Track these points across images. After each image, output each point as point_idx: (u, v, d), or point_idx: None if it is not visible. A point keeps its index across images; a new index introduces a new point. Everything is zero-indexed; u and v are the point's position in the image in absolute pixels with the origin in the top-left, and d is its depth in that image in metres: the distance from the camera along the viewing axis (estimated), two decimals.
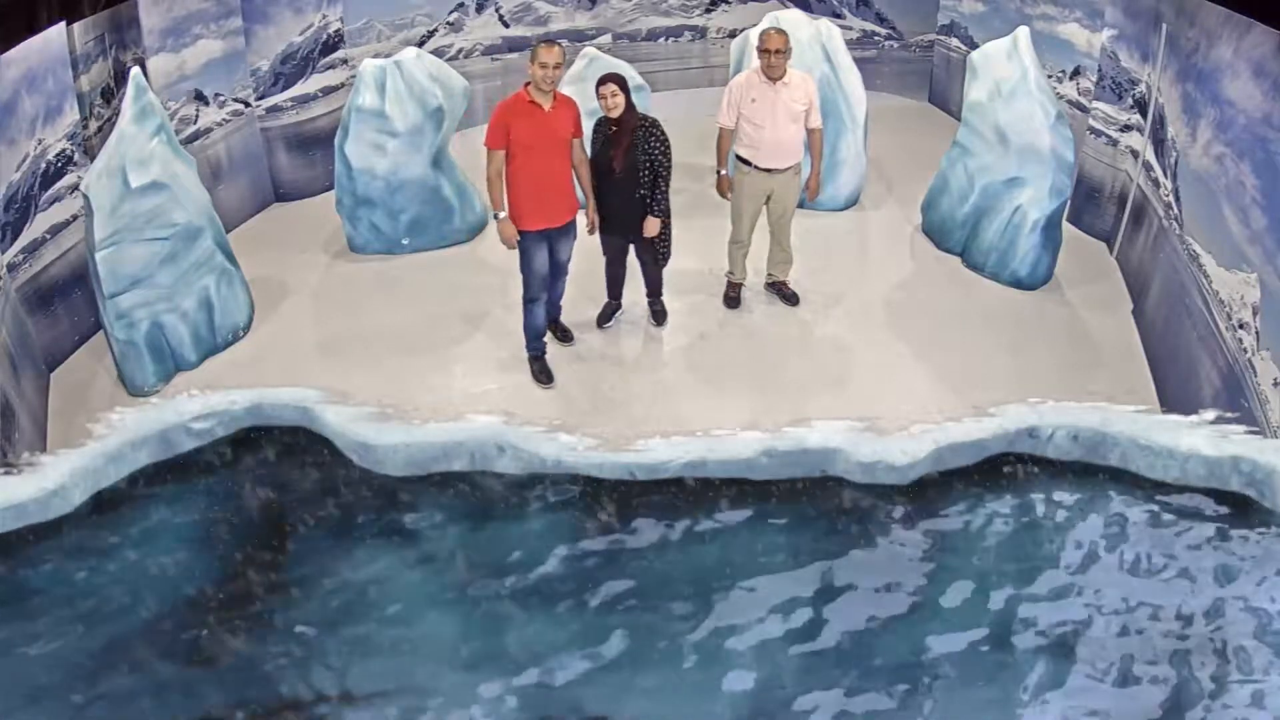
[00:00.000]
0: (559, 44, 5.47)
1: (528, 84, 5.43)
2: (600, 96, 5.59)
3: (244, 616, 2.63)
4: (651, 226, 5.83)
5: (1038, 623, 2.52)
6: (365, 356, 6.11)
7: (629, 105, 5.61)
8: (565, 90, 7.60)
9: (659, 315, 6.36)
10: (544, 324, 5.87)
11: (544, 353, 5.93)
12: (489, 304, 6.17)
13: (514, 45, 9.71)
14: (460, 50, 9.48)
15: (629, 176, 5.68)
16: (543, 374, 5.87)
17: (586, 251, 6.17)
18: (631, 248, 6.08)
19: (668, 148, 5.72)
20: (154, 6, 6.85)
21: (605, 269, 6.23)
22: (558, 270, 5.90)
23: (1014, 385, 5.56)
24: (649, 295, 6.35)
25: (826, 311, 6.56)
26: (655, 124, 5.73)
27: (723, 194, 6.34)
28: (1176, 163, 6.09)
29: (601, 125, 5.73)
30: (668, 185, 5.80)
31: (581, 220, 5.81)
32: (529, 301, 5.74)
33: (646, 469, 2.84)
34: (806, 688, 2.44)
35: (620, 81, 5.59)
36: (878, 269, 7.15)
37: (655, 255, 6.06)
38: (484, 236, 5.87)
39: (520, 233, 5.56)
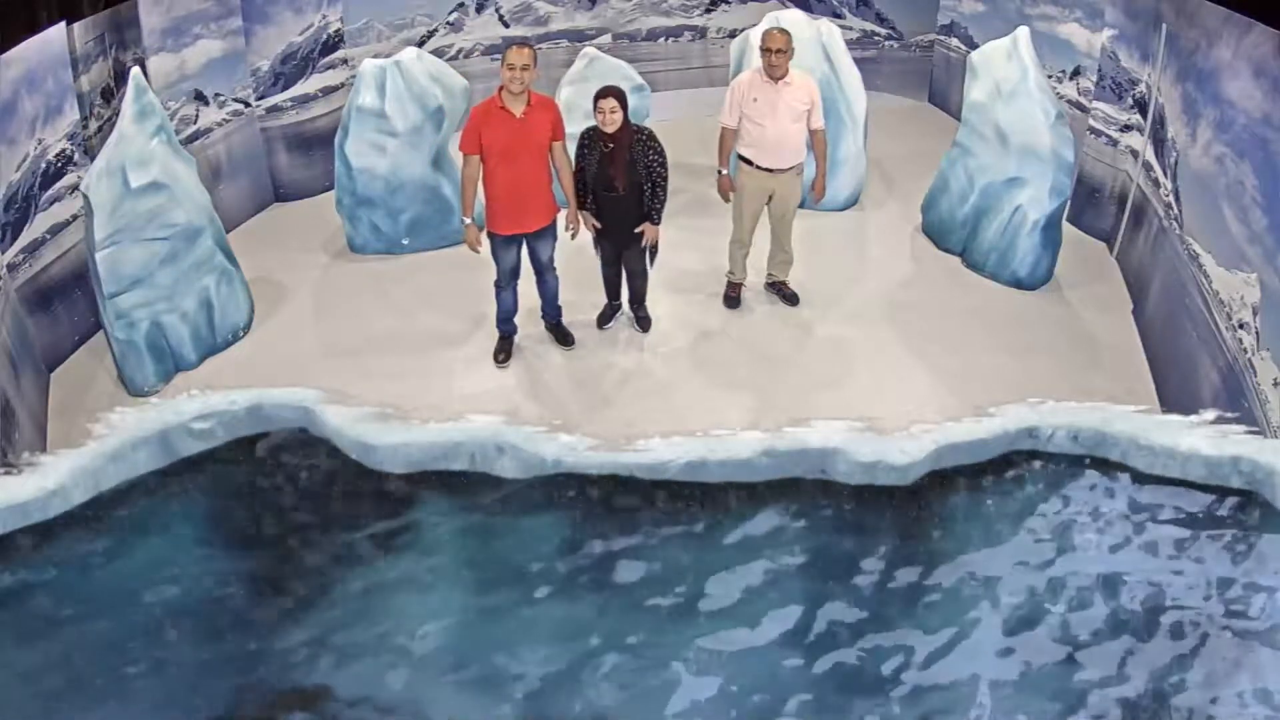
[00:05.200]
0: (530, 45, 5.48)
1: (502, 88, 5.39)
2: (599, 111, 5.53)
3: (244, 617, 2.63)
4: (653, 233, 5.86)
5: (1039, 622, 2.52)
6: (365, 356, 6.11)
7: (624, 119, 5.59)
8: (565, 90, 7.61)
9: (644, 322, 6.36)
10: (510, 308, 6.01)
11: (510, 334, 6.10)
12: (488, 304, 6.17)
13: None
14: (460, 50, 9.48)
15: (631, 192, 5.68)
16: (500, 352, 6.07)
17: (586, 254, 6.17)
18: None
19: (665, 158, 5.73)
20: (154, 6, 6.85)
21: (601, 271, 6.23)
22: (541, 269, 5.93)
23: (1014, 385, 5.56)
24: (632, 303, 6.35)
25: (826, 311, 6.56)
26: (651, 135, 5.72)
27: (724, 195, 6.33)
28: (1176, 163, 6.09)
29: (593, 138, 5.67)
30: (665, 194, 5.81)
31: (563, 222, 5.82)
32: (497, 287, 5.94)
33: (646, 469, 2.84)
34: (807, 687, 2.44)
35: (620, 97, 5.56)
36: (878, 269, 7.15)
37: (645, 262, 6.06)
38: (483, 237, 5.89)
39: (491, 233, 5.71)
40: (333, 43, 8.34)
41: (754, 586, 2.66)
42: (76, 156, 6.14)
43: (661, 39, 10.39)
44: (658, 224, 5.85)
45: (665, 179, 5.75)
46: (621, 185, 5.65)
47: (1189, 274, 5.58)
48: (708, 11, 10.43)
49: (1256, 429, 3.06)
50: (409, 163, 7.06)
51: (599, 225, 5.84)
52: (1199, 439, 2.69)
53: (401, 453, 2.99)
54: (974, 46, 8.00)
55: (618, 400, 5.73)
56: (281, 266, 7.13)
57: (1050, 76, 7.25)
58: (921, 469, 2.79)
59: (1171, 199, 6.11)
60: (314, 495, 2.93)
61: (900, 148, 8.84)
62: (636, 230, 5.84)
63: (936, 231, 7.39)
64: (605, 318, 6.39)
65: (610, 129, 5.55)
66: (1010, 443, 2.81)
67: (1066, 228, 7.11)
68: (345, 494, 2.95)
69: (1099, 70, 7.42)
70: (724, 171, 6.27)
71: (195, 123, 7.36)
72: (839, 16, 9.99)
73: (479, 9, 9.55)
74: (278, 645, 2.57)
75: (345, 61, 8.43)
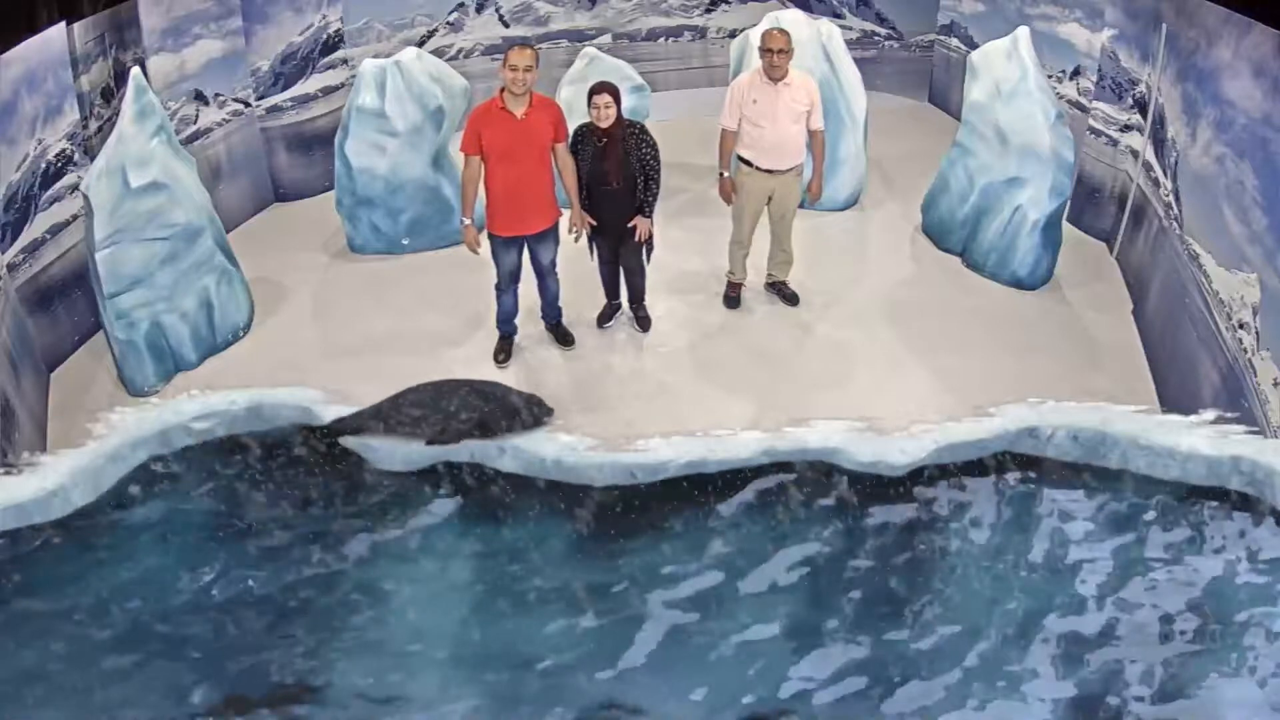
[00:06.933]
0: (532, 46, 5.48)
1: (503, 89, 5.39)
2: (593, 106, 5.56)
3: (243, 616, 2.63)
4: (645, 226, 5.84)
5: (1037, 619, 2.52)
6: (365, 356, 6.11)
7: (618, 114, 5.61)
8: (564, 90, 7.61)
9: (644, 322, 6.36)
10: (511, 310, 6.02)
11: (510, 334, 6.11)
12: (488, 304, 6.18)
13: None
14: (460, 50, 9.48)
15: (625, 187, 5.69)
16: (501, 353, 6.08)
17: (585, 254, 6.17)
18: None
19: (658, 152, 5.75)
20: (154, 6, 6.85)
21: (599, 270, 6.23)
22: (542, 272, 5.92)
23: (1014, 385, 5.56)
24: (632, 302, 6.35)
25: (826, 311, 6.56)
26: (644, 130, 5.74)
27: (726, 198, 6.31)
28: (1176, 163, 6.09)
29: (587, 134, 5.68)
30: (658, 188, 5.81)
31: (565, 224, 5.81)
32: (498, 290, 5.95)
33: (647, 469, 2.84)
34: (805, 681, 2.44)
35: (615, 92, 5.59)
36: (878, 269, 7.15)
37: (642, 260, 6.06)
38: (483, 237, 5.89)
39: (491, 234, 5.71)
40: (333, 43, 8.34)
41: (755, 581, 2.66)
42: (76, 156, 6.14)
43: (661, 39, 10.39)
44: (650, 217, 5.85)
45: (658, 172, 5.76)
46: (616, 180, 5.66)
47: (1189, 274, 5.58)
48: (708, 11, 10.43)
49: (1256, 429, 3.06)
50: (409, 163, 7.06)
51: (593, 222, 5.84)
52: (1199, 439, 2.69)
53: (401, 452, 3.00)
54: (974, 46, 8.00)
55: (618, 400, 5.73)
56: (281, 266, 7.13)
57: (1050, 76, 7.25)
58: (921, 469, 2.79)
59: (1171, 199, 6.11)
60: (314, 495, 2.93)
61: (900, 148, 8.84)
62: (630, 225, 5.85)
63: (936, 231, 7.39)
64: (605, 317, 6.39)
65: (605, 124, 5.57)
66: (1010, 443, 2.81)
67: (1066, 228, 7.11)
68: (346, 493, 2.94)
69: (1099, 70, 7.42)
70: (725, 174, 6.27)
71: (195, 123, 7.36)
72: (839, 16, 9.99)
73: (479, 9, 9.55)
74: (276, 644, 2.57)
75: (345, 61, 8.43)
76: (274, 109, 8.03)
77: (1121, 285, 6.88)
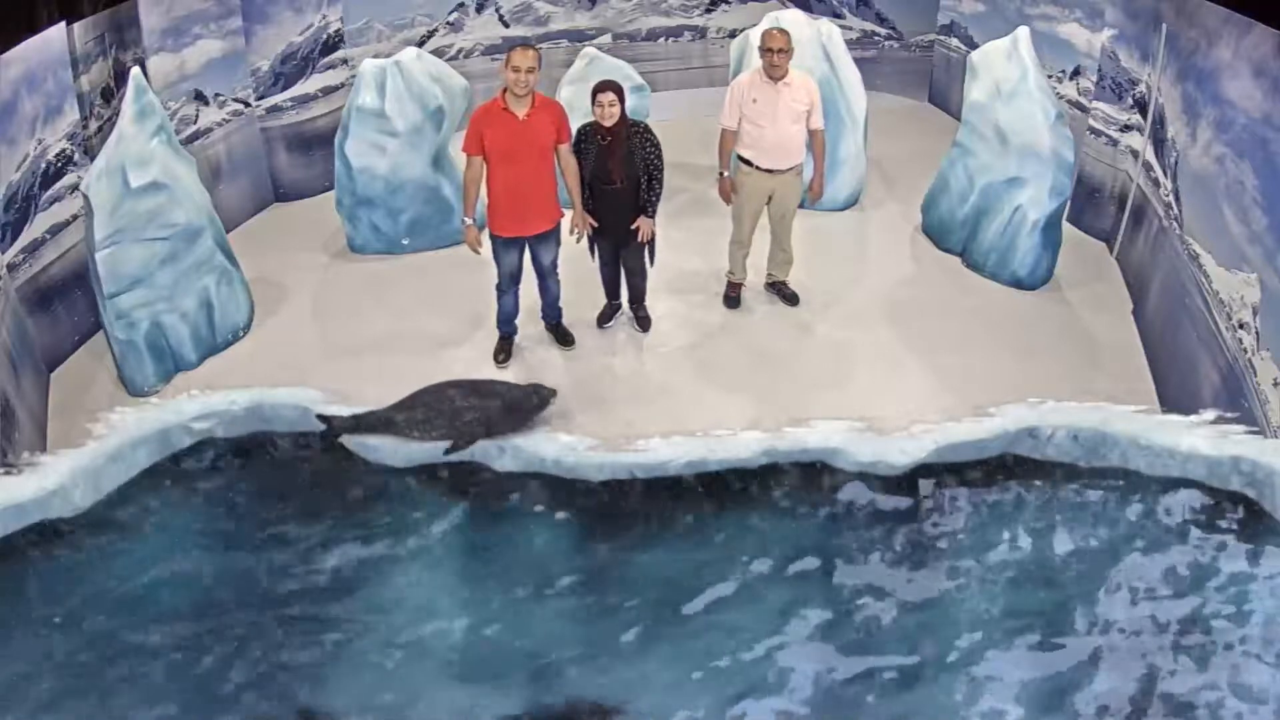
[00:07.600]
0: (534, 47, 5.49)
1: (505, 89, 5.40)
2: (597, 104, 5.56)
3: (244, 616, 2.63)
4: (648, 226, 5.84)
5: (1037, 617, 2.53)
6: (365, 357, 6.11)
7: (622, 113, 5.61)
8: (564, 90, 7.61)
9: (644, 322, 6.36)
10: (511, 311, 6.03)
11: (510, 334, 6.12)
12: (488, 304, 6.18)
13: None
14: (460, 50, 9.48)
15: (628, 186, 5.69)
16: (501, 353, 6.08)
17: (585, 254, 6.17)
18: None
19: (661, 151, 5.74)
20: (154, 6, 6.85)
21: (600, 270, 6.23)
22: (543, 273, 5.93)
23: (1014, 385, 5.56)
24: (632, 303, 6.35)
25: (826, 311, 6.56)
26: (647, 129, 5.73)
27: (725, 198, 6.32)
28: (1176, 163, 6.09)
29: (591, 133, 5.68)
30: (661, 187, 5.81)
31: (567, 225, 5.81)
32: (498, 290, 5.95)
33: (647, 469, 2.85)
34: (802, 678, 2.44)
35: (619, 91, 5.59)
36: (878, 269, 7.15)
37: (644, 260, 6.06)
38: (483, 237, 5.90)
39: (493, 235, 5.72)
40: (333, 43, 8.34)
41: (755, 580, 2.66)
42: (76, 156, 6.14)
43: (661, 39, 10.39)
44: (652, 217, 5.85)
45: (661, 171, 5.76)
46: (619, 179, 5.66)
47: (1189, 274, 5.58)
48: (708, 11, 10.43)
49: (1256, 429, 3.06)
50: (409, 163, 7.06)
51: (595, 223, 5.84)
52: (1199, 439, 2.70)
53: (402, 452, 3.00)
54: (974, 46, 8.00)
55: (618, 400, 5.73)
56: (281, 266, 7.13)
57: (1050, 76, 7.25)
58: (921, 468, 2.80)
59: (1171, 199, 6.11)
60: (314, 495, 2.93)
61: (900, 148, 8.84)
62: (633, 225, 5.84)
63: (936, 231, 7.39)
64: (605, 317, 6.39)
65: (609, 123, 5.57)
66: (1010, 443, 2.82)
67: (1066, 228, 7.11)
68: (346, 494, 2.95)
69: (1099, 70, 7.42)
70: (725, 174, 6.27)
71: (195, 123, 7.36)
72: (839, 16, 9.99)
73: (479, 9, 9.55)
74: (278, 645, 2.57)
75: (345, 61, 8.43)
76: (274, 109, 8.04)
77: (1121, 285, 6.88)
